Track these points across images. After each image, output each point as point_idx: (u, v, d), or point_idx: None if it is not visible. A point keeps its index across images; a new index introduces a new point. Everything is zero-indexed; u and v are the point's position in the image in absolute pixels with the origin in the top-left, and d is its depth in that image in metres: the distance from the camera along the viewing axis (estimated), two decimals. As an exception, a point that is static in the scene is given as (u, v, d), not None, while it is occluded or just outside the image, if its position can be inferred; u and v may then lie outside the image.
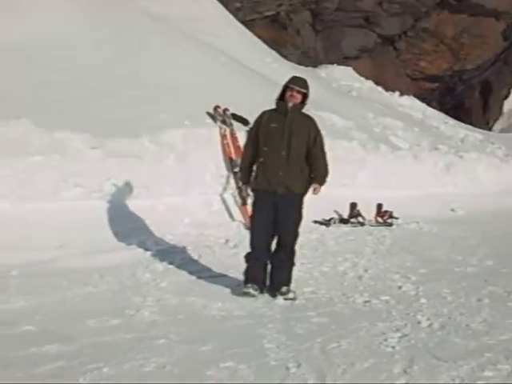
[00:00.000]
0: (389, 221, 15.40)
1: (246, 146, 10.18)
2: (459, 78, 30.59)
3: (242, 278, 9.91)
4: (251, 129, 10.33)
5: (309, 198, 9.97)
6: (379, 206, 15.50)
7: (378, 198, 15.49)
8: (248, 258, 9.81)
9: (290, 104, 9.59)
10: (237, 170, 15.03)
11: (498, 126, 31.29)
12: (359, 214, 15.33)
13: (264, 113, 9.91)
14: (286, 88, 9.67)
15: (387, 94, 26.71)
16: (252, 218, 10.02)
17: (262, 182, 9.61)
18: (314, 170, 9.74)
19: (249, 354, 7.46)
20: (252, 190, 9.97)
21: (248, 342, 7.91)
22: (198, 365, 7.12)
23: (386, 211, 15.55)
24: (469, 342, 7.97)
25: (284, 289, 9.66)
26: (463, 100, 30.56)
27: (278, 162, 9.53)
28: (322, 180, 9.75)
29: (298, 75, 10.31)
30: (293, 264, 9.84)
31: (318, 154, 9.73)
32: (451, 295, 9.95)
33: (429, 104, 27.83)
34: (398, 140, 20.70)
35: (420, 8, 29.17)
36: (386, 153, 19.03)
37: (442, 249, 13.11)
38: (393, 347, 7.81)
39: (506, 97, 32.83)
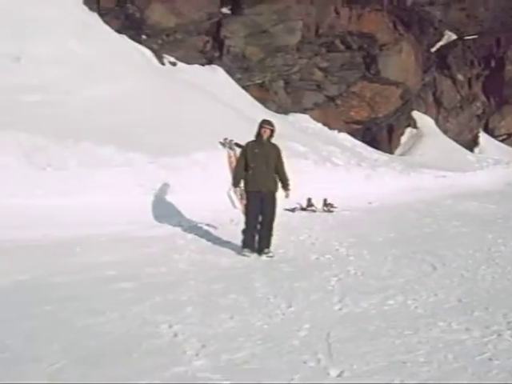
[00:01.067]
0: (331, 209, 15.40)
1: (238, 163, 10.29)
2: (374, 122, 30.57)
3: (240, 244, 9.95)
4: (240, 154, 10.44)
5: (282, 195, 10.12)
6: (325, 199, 15.46)
7: (324, 194, 15.49)
8: (244, 231, 9.91)
9: (265, 137, 9.98)
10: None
11: (397, 151, 31.31)
12: (312, 205, 15.29)
13: (248, 143, 10.21)
14: (260, 126, 10.03)
15: (330, 132, 26.68)
16: (246, 207, 10.06)
17: (253, 186, 9.88)
18: (281, 178, 10.12)
19: (245, 289, 7.56)
20: (245, 191, 10.04)
21: (244, 282, 7.98)
22: (214, 296, 7.22)
23: (329, 203, 15.53)
24: (379, 283, 8.05)
25: (266, 250, 9.79)
26: (376, 135, 30.53)
27: (261, 173, 9.88)
28: (287, 185, 10.16)
29: (267, 118, 10.76)
30: (271, 235, 9.93)
31: (282, 167, 10.18)
32: (368, 255, 9.98)
33: (355, 138, 27.83)
34: (336, 159, 20.71)
35: (350, 79, 29.19)
36: (329, 167, 19.08)
37: (363, 227, 13.12)
38: (333, 286, 7.91)
39: (402, 133, 32.86)
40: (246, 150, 10.18)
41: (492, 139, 37.65)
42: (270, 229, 9.96)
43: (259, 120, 10.47)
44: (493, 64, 37.75)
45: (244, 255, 9.66)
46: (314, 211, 15.13)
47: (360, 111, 30.02)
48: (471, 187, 22.48)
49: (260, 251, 9.79)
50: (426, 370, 5.04)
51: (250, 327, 6.09)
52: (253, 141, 10.15)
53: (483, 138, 37.29)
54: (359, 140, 28.02)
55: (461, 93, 36.90)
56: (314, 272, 8.69)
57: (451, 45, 36.93)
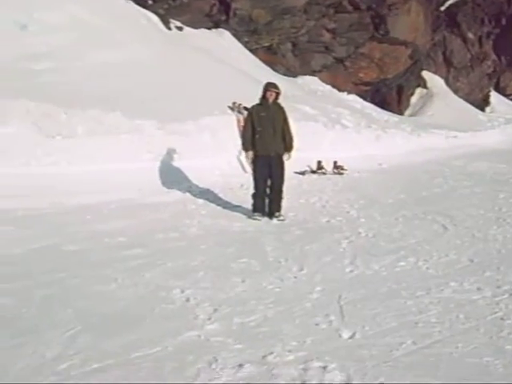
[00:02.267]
0: (341, 171, 15.36)
1: (245, 127, 10.22)
2: (383, 83, 30.35)
3: (250, 208, 9.95)
4: (247, 118, 10.33)
5: (292, 158, 10.07)
6: (335, 162, 15.42)
7: (334, 157, 15.45)
8: (253, 196, 9.92)
9: (270, 100, 9.83)
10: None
11: (407, 112, 31.13)
12: (322, 167, 15.25)
13: (253, 106, 10.13)
14: (266, 90, 9.88)
15: (339, 94, 26.49)
16: (254, 171, 10.06)
17: (261, 150, 9.80)
18: (285, 139, 9.97)
19: (256, 253, 7.58)
20: (254, 155, 9.91)
21: (256, 246, 8.01)
22: (226, 260, 7.26)
23: (339, 165, 15.48)
24: (390, 245, 8.07)
25: (277, 214, 9.80)
26: (386, 97, 30.34)
27: (268, 136, 9.79)
28: (290, 147, 10.02)
29: (271, 81, 10.57)
30: (281, 198, 9.92)
31: (288, 129, 10.02)
32: (379, 216, 10.00)
33: (365, 99, 27.64)
34: (346, 121, 20.59)
35: (359, 40, 28.91)
36: (339, 129, 18.96)
37: (373, 188, 13.10)
38: (344, 248, 7.93)
39: (412, 94, 32.63)
40: (251, 113, 10.08)
41: (503, 98, 37.37)
42: (280, 192, 9.93)
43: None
44: (503, 22, 37.30)
45: (255, 219, 9.67)
46: (324, 174, 15.10)
47: (369, 72, 29.79)
48: (482, 147, 22.38)
49: (271, 215, 9.80)
50: (437, 331, 5.06)
51: (262, 290, 6.11)
52: (258, 104, 10.03)
53: (494, 96, 37.00)
54: (369, 101, 27.85)
55: (471, 51, 36.52)
56: (325, 234, 8.70)
57: (461, 3, 36.42)
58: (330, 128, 18.58)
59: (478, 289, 6.11)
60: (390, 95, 30.86)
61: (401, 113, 30.04)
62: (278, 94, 9.93)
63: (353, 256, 7.44)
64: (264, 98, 9.90)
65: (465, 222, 9.42)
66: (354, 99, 26.60)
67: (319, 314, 5.41)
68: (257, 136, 9.81)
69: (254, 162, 10.00)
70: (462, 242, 8.17)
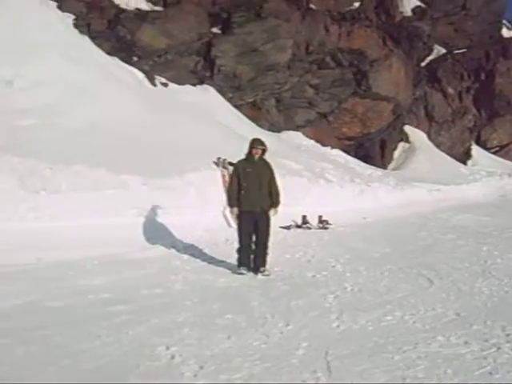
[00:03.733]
0: (326, 226, 15.38)
1: (230, 183, 10.16)
2: (366, 138, 30.69)
3: (235, 263, 9.90)
4: (233, 173, 10.23)
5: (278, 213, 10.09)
6: (320, 216, 15.44)
7: (319, 211, 15.47)
8: (238, 250, 9.88)
9: (256, 156, 9.86)
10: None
11: (390, 166, 31.40)
12: (307, 222, 15.27)
13: (239, 161, 10.12)
14: (252, 147, 9.91)
15: (323, 149, 26.78)
16: (239, 226, 9.97)
17: (246, 205, 9.77)
18: (273, 195, 9.95)
19: (242, 309, 7.51)
20: (239, 210, 9.87)
21: (241, 302, 7.93)
22: (211, 316, 7.19)
23: (324, 220, 15.52)
24: (376, 299, 8.01)
25: (262, 269, 9.72)
26: (369, 151, 30.64)
27: (254, 192, 9.79)
28: (277, 203, 10.00)
29: (257, 137, 10.42)
30: (267, 254, 9.86)
31: (275, 184, 10.03)
32: (365, 271, 9.95)
33: (348, 154, 27.93)
34: (330, 176, 20.74)
35: (341, 96, 29.35)
36: (323, 184, 19.08)
37: (359, 242, 13.09)
38: (330, 303, 7.87)
39: (395, 148, 32.98)
40: (237, 169, 10.07)
41: (484, 151, 37.87)
42: (265, 248, 9.87)
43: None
44: (483, 77, 38.07)
45: (240, 273, 9.60)
46: (309, 228, 15.10)
47: (352, 127, 30.16)
48: (465, 200, 22.55)
49: (256, 270, 9.72)
50: (425, 386, 5.01)
51: (248, 347, 6.04)
52: (244, 159, 10.06)
53: (475, 150, 37.49)
54: (352, 156, 28.14)
55: (452, 106, 37.14)
56: (311, 289, 8.65)
57: (441, 59, 37.24)
58: (314, 183, 18.70)
59: (466, 343, 6.08)
60: (373, 149, 31.18)
61: (384, 167, 30.32)
62: (264, 150, 9.96)
63: (339, 311, 7.39)
64: (250, 154, 9.91)
65: (450, 276, 9.41)
66: (337, 154, 26.87)
67: (306, 371, 5.35)
68: (242, 192, 9.77)
69: (240, 218, 9.93)
70: (447, 296, 8.14)
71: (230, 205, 10.06)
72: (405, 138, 33.77)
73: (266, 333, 6.51)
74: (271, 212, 9.97)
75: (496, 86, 37.72)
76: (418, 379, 5.14)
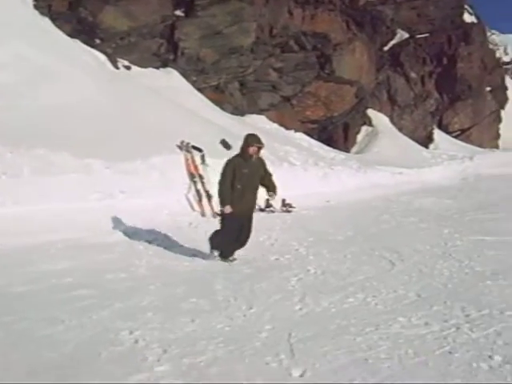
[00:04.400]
0: (289, 209, 15.46)
1: (224, 181, 9.25)
2: (330, 121, 30.81)
3: (200, 247, 9.90)
4: (228, 170, 9.27)
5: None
6: (283, 200, 15.51)
7: (282, 195, 15.50)
8: (219, 244, 9.51)
9: (254, 156, 9.37)
10: (196, 179, 15.08)
11: (353, 150, 31.57)
12: (271, 205, 15.32)
13: (235, 157, 9.48)
14: (249, 144, 9.33)
15: (286, 132, 26.82)
16: (224, 223, 9.43)
17: (237, 210, 9.19)
18: (271, 186, 9.68)
19: (205, 293, 7.54)
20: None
21: (205, 286, 7.96)
22: (175, 300, 7.19)
23: (287, 203, 15.60)
24: (339, 282, 8.10)
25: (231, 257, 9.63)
26: (332, 134, 30.77)
27: (247, 197, 9.39)
28: (276, 191, 9.72)
29: (254, 133, 9.72)
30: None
31: (270, 179, 9.69)
32: (328, 253, 10.06)
33: (312, 137, 28.03)
34: (294, 160, 20.84)
35: (305, 79, 29.38)
36: (286, 167, 19.16)
37: (322, 225, 13.19)
38: (293, 286, 7.94)
39: (358, 132, 33.16)
40: (233, 167, 9.26)
41: (446, 135, 38.30)
42: (244, 244, 9.62)
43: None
44: (445, 61, 38.44)
45: (214, 257, 9.47)
46: (272, 212, 15.17)
47: (316, 111, 30.23)
48: (427, 183, 22.85)
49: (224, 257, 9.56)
50: (387, 366, 5.08)
51: (212, 330, 6.06)
52: (239, 156, 9.42)
53: (437, 134, 37.89)
54: (315, 139, 28.23)
55: (414, 90, 37.44)
56: (274, 273, 8.70)
57: (403, 43, 37.45)
58: (278, 166, 18.72)
59: (426, 323, 6.17)
60: (336, 133, 31.32)
61: (347, 150, 30.49)
62: (261, 148, 9.47)
63: (302, 294, 7.45)
64: (247, 152, 9.31)
65: (412, 258, 9.54)
66: (301, 137, 26.94)
67: (269, 353, 5.39)
68: (235, 194, 9.20)
69: (227, 217, 9.32)
70: (409, 278, 8.25)
71: (223, 203, 9.27)
72: (368, 121, 33.97)
73: (229, 316, 6.54)
74: (268, 194, 9.83)
75: (458, 71, 38.14)
76: (379, 359, 5.21)
